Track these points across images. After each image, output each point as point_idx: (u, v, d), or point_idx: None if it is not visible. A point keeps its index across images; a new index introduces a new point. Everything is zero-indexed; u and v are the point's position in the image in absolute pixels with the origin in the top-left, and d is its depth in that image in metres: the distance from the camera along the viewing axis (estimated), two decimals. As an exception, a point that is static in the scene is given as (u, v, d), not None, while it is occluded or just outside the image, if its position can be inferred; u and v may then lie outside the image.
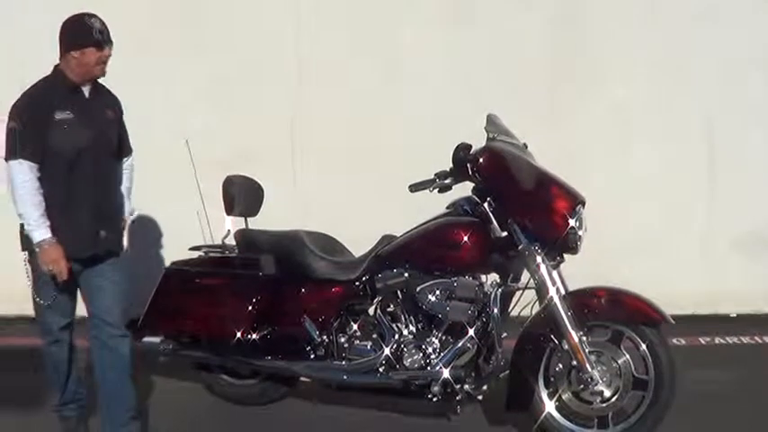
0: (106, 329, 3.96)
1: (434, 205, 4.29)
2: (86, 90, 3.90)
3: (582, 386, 3.94)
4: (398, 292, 4.19)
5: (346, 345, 4.26)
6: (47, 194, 3.79)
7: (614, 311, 3.97)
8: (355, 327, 4.28)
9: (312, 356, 4.27)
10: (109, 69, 6.12)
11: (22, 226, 3.84)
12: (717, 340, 5.81)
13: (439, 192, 4.18)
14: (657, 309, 3.92)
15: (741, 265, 6.25)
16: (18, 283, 6.16)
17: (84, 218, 3.85)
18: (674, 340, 4.84)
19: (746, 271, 6.24)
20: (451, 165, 4.12)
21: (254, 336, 4.30)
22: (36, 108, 3.78)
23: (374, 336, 4.24)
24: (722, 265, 6.25)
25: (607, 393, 3.93)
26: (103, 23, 3.85)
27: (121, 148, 4.11)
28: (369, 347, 4.23)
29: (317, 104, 6.23)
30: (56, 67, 3.90)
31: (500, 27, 6.26)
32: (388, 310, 4.24)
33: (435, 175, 4.15)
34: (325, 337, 4.26)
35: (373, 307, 4.27)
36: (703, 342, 5.75)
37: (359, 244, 4.45)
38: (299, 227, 4.57)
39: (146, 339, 4.57)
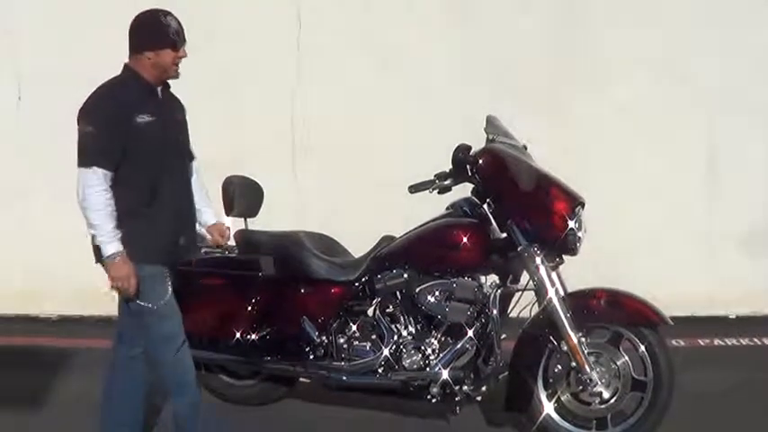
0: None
1: (434, 206, 4.29)
2: (159, 91, 3.71)
3: (581, 387, 3.95)
4: (398, 292, 4.19)
5: (345, 345, 4.26)
6: (129, 201, 3.57)
7: (613, 313, 3.98)
8: (354, 328, 4.27)
9: (311, 357, 4.27)
10: (105, 70, 6.19)
11: (93, 237, 3.61)
12: (716, 341, 5.80)
13: (438, 193, 4.18)
14: (656, 310, 3.93)
15: (741, 266, 6.25)
16: (16, 283, 6.24)
17: (166, 224, 3.68)
18: (673, 341, 4.83)
19: (746, 272, 6.23)
20: (451, 166, 4.12)
21: (254, 336, 4.31)
22: (114, 110, 3.55)
23: (373, 337, 4.24)
24: (722, 265, 6.25)
25: (606, 395, 3.94)
26: (179, 22, 3.65)
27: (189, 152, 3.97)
28: (368, 348, 4.22)
29: (316, 104, 6.23)
30: (126, 65, 3.69)
31: (500, 27, 6.26)
32: (388, 310, 4.23)
33: (435, 176, 4.16)
34: (324, 337, 4.27)
35: (372, 308, 4.27)
36: (702, 343, 5.74)
37: (358, 245, 4.45)
38: (299, 227, 4.57)
39: (145, 339, 4.58)
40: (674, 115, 6.29)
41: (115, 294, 3.75)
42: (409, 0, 6.34)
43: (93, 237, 3.57)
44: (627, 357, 3.97)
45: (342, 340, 4.27)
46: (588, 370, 3.90)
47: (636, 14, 6.32)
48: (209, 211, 4.07)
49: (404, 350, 4.13)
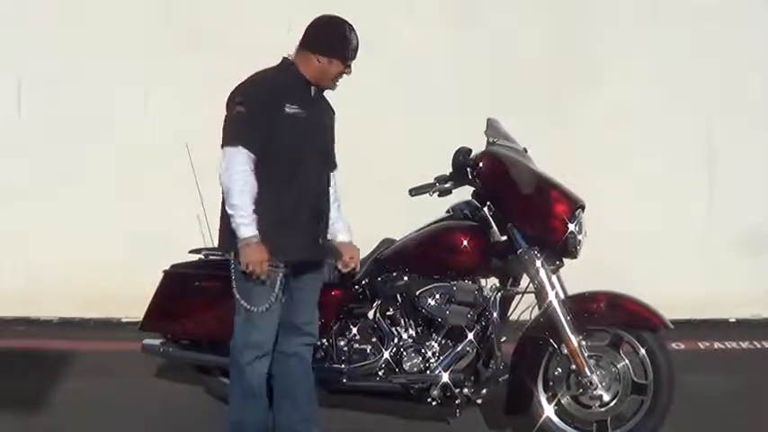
0: (301, 338, 3.87)
1: (434, 209, 4.28)
2: (313, 89, 3.74)
3: (581, 390, 3.94)
4: (398, 295, 4.19)
5: (346, 348, 4.26)
6: (270, 192, 3.58)
7: (613, 316, 3.98)
8: (355, 330, 4.27)
9: (311, 360, 4.27)
10: (109, 71, 6.20)
11: (224, 225, 3.65)
12: (716, 345, 5.80)
13: (439, 196, 4.19)
14: (657, 313, 3.93)
15: (741, 269, 6.25)
16: (18, 285, 6.24)
17: (306, 222, 3.67)
18: (674, 345, 4.84)
19: (746, 275, 6.24)
20: (451, 169, 4.12)
21: (254, 339, 4.30)
22: (266, 95, 3.59)
23: (373, 339, 4.24)
24: (722, 268, 6.25)
25: (606, 398, 3.94)
26: (358, 39, 3.72)
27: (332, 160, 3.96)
28: (368, 351, 4.23)
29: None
30: (286, 59, 3.74)
31: (500, 28, 6.25)
32: (388, 313, 4.23)
33: (435, 179, 4.17)
34: (324, 340, 4.26)
35: (373, 311, 4.27)
36: (702, 347, 5.75)
37: (358, 247, 4.44)
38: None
39: (146, 341, 4.58)
40: (674, 116, 6.30)
41: None
42: (409, 0, 6.33)
43: (231, 217, 3.54)
44: (627, 360, 3.96)
45: (342, 343, 4.27)
46: (588, 373, 3.89)
47: (635, 15, 6.32)
48: (342, 227, 3.99)
49: (404, 353, 4.13)
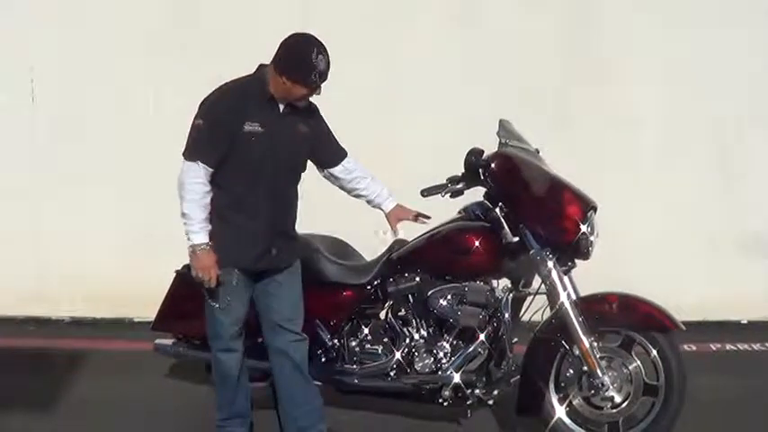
0: (285, 336, 3.94)
1: (446, 210, 4.29)
2: (282, 105, 3.76)
3: (592, 392, 3.94)
4: (410, 296, 4.20)
5: (357, 349, 4.28)
6: (222, 203, 3.73)
7: (625, 317, 3.97)
8: (366, 331, 4.30)
9: (323, 360, 4.28)
10: (115, 72, 6.21)
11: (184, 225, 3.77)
12: (728, 347, 5.78)
13: (451, 197, 4.19)
14: (669, 315, 3.93)
15: (753, 270, 6.22)
16: (29, 284, 6.26)
17: (257, 233, 3.77)
18: (685, 346, 4.82)
19: (758, 276, 6.21)
20: (463, 169, 4.13)
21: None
22: (227, 112, 3.66)
23: (385, 340, 4.26)
24: (734, 269, 6.22)
25: (617, 399, 3.94)
26: (328, 64, 3.66)
27: (332, 154, 4.08)
28: (380, 352, 4.25)
29: (321, 106, 6.22)
30: (261, 67, 3.78)
31: (509, 29, 6.24)
32: (400, 314, 4.24)
33: (447, 179, 4.17)
34: (336, 340, 4.28)
35: (384, 311, 4.28)
36: (714, 348, 5.72)
37: (370, 248, 4.45)
38: (309, 231, 4.57)
39: (158, 341, 4.60)
40: (683, 116, 6.27)
41: None
42: (416, 1, 6.32)
43: (183, 225, 3.71)
44: (639, 362, 3.96)
45: (354, 343, 4.29)
46: (600, 374, 3.90)
47: (645, 16, 6.30)
48: (385, 195, 4.21)
49: (416, 353, 4.15)
